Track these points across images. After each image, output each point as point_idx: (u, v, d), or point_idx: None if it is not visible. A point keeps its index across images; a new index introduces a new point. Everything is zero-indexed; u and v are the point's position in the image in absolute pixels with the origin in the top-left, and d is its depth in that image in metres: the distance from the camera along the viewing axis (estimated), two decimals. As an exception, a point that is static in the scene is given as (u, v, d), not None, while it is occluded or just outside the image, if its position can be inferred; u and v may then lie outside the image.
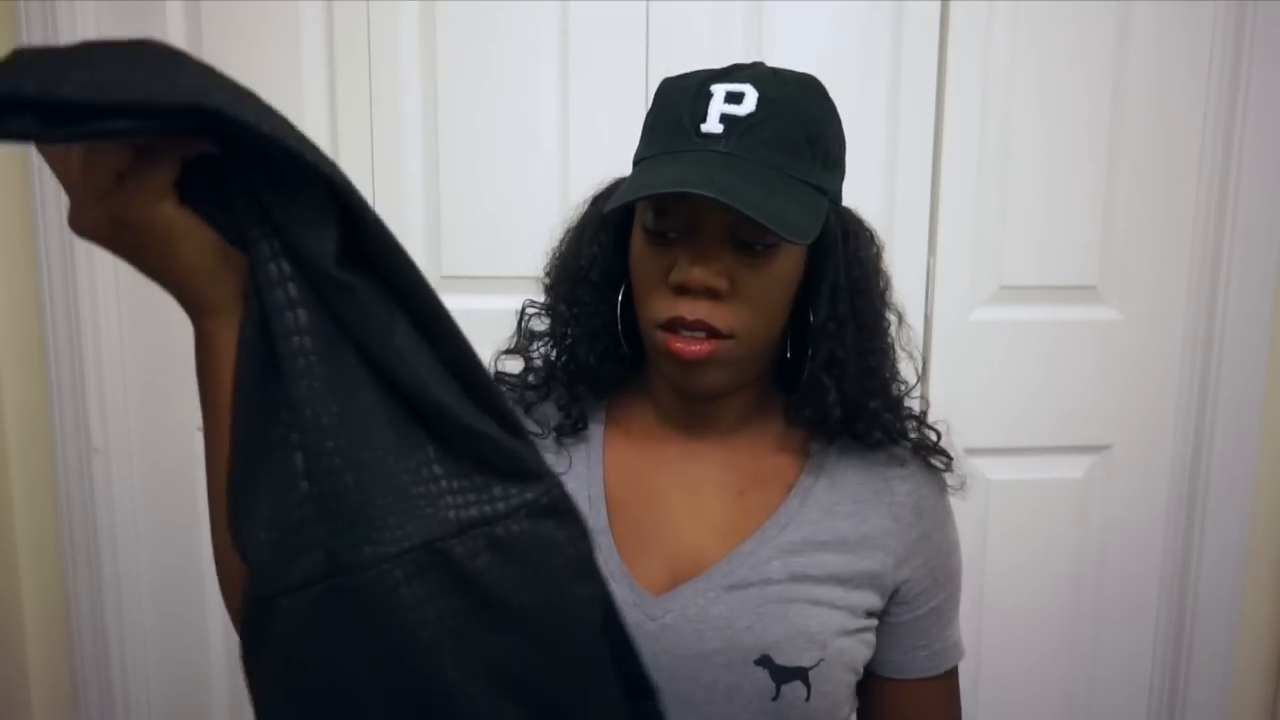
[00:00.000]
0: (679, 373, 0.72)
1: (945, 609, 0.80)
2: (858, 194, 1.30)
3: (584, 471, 0.78)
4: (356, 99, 1.31)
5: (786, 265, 0.71)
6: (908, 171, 1.31)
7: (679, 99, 0.70)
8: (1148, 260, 1.35)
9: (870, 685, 0.80)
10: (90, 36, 1.28)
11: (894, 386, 0.77)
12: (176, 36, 1.31)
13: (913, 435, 0.79)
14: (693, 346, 0.69)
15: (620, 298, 0.79)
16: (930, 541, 0.78)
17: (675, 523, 0.76)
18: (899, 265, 1.30)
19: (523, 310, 0.82)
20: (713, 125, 0.67)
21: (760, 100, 0.67)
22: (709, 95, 0.68)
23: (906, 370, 0.79)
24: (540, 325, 0.81)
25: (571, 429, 0.78)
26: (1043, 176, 1.32)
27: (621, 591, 0.72)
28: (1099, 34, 1.29)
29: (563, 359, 0.79)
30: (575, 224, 0.80)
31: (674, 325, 0.69)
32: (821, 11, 1.29)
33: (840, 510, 0.76)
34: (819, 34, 1.29)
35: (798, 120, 0.68)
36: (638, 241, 0.73)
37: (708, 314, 0.68)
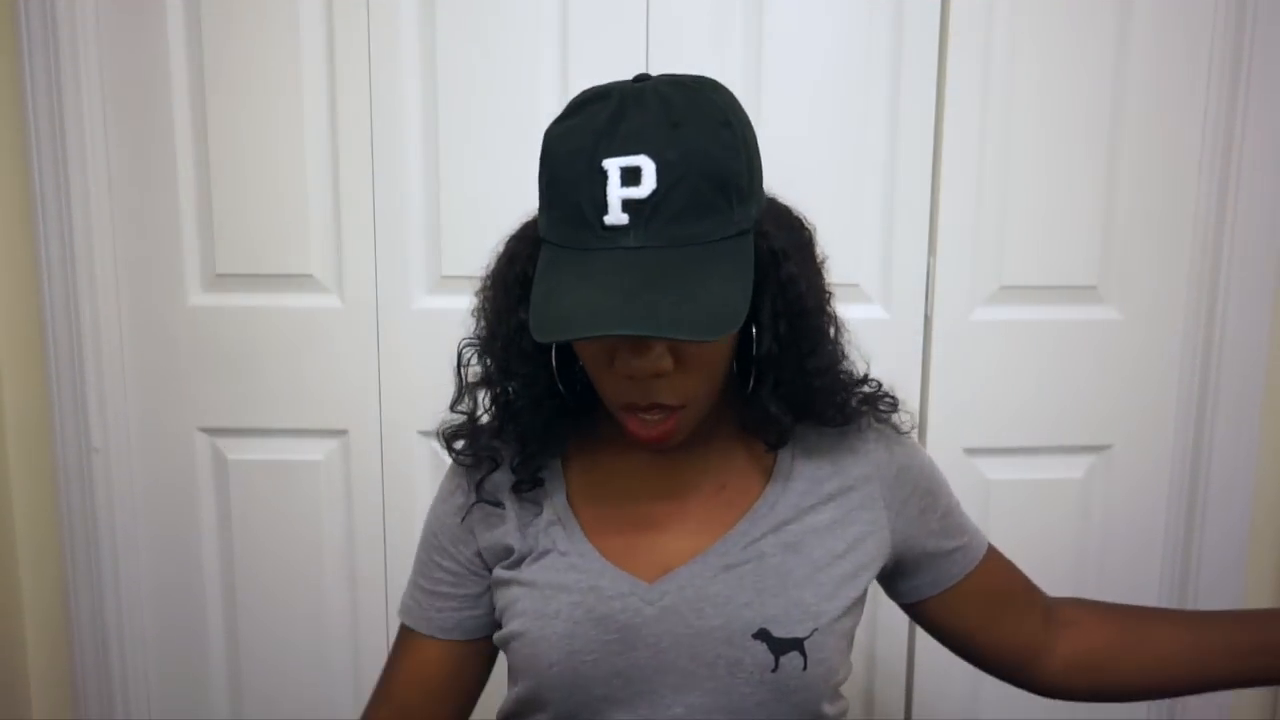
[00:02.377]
0: (644, 444, 0.73)
1: (953, 510, 0.85)
2: (858, 194, 1.31)
3: (548, 499, 0.79)
4: (356, 99, 1.31)
5: None
6: (908, 171, 1.31)
7: (573, 176, 0.65)
8: (1148, 260, 1.35)
9: (939, 601, 0.84)
10: (90, 36, 1.29)
11: (842, 377, 0.78)
12: (176, 36, 1.31)
13: (864, 402, 0.80)
14: (654, 431, 0.70)
15: (555, 351, 0.76)
16: (910, 471, 0.82)
17: (659, 523, 0.77)
18: (899, 265, 1.32)
19: (460, 355, 0.80)
20: (616, 216, 0.63)
21: (658, 170, 0.62)
22: (604, 175, 0.63)
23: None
24: (477, 377, 0.80)
25: (530, 486, 0.79)
26: (1043, 176, 1.32)
27: (616, 585, 0.73)
28: (1099, 34, 1.29)
29: (510, 425, 0.78)
30: (495, 281, 0.77)
31: (631, 409, 0.70)
32: (821, 11, 1.29)
33: (822, 474, 0.79)
34: (819, 33, 1.29)
35: (702, 175, 0.63)
36: None
37: (661, 395, 0.69)
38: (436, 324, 1.29)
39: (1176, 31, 1.30)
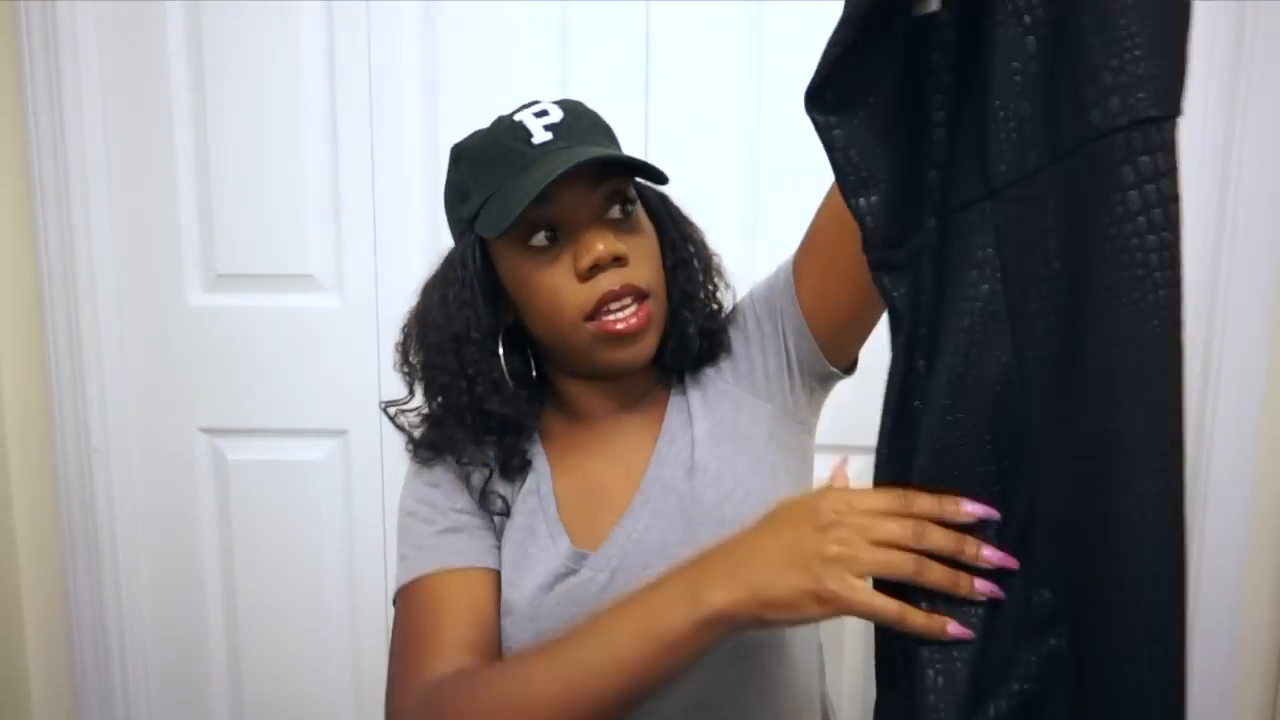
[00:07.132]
0: (618, 351, 0.74)
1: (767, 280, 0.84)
2: (858, 194, 1.31)
3: (536, 473, 0.81)
4: (356, 99, 1.31)
5: (647, 223, 0.78)
6: (908, 171, 1.31)
7: (491, 140, 0.75)
8: (1148, 260, 1.34)
9: (820, 328, 0.78)
10: (90, 37, 1.29)
11: (723, 312, 0.85)
12: (176, 37, 1.31)
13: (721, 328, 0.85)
14: (632, 319, 0.73)
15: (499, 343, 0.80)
16: (739, 330, 0.83)
17: (613, 493, 0.79)
18: (899, 265, 1.32)
19: (385, 411, 0.84)
20: (541, 136, 0.74)
21: (564, 108, 0.76)
22: (520, 123, 0.75)
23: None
24: (432, 405, 0.81)
25: (518, 471, 0.81)
26: (1043, 176, 1.32)
27: (573, 564, 0.76)
28: (1099, 34, 1.29)
29: (480, 421, 0.78)
30: (432, 295, 0.80)
31: (602, 307, 0.72)
32: (821, 11, 1.28)
33: (711, 400, 0.82)
34: (819, 34, 1.28)
35: (592, 120, 0.79)
36: (519, 267, 0.75)
37: (629, 277, 0.73)
38: (436, 324, 1.29)
39: (1176, 31, 1.30)
